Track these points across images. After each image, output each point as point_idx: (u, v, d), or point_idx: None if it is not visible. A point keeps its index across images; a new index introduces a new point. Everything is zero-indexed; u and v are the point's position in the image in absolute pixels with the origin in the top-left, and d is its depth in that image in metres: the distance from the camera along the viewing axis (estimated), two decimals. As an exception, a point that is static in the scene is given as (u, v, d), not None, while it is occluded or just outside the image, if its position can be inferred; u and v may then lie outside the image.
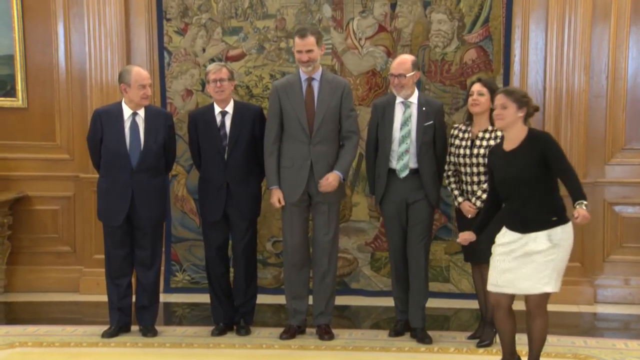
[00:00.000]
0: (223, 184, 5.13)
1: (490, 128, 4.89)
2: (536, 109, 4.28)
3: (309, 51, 4.99)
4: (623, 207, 6.10)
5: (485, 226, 4.37)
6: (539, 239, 4.06)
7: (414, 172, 5.00)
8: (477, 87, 4.91)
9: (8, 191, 6.36)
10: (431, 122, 5.00)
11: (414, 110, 5.01)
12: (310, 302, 5.23)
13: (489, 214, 4.37)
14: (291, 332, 5.16)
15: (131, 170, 5.06)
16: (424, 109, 5.01)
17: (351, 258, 6.23)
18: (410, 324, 5.14)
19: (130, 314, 5.26)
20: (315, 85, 5.08)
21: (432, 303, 5.43)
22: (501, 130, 4.35)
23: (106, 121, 5.12)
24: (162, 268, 5.76)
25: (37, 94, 6.40)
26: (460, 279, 6.10)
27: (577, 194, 4.01)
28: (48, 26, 6.33)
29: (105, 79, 6.19)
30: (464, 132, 4.99)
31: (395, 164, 5.01)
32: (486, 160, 4.81)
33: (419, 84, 5.99)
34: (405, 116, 5.01)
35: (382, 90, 6.05)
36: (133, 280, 5.29)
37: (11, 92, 6.38)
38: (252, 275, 5.33)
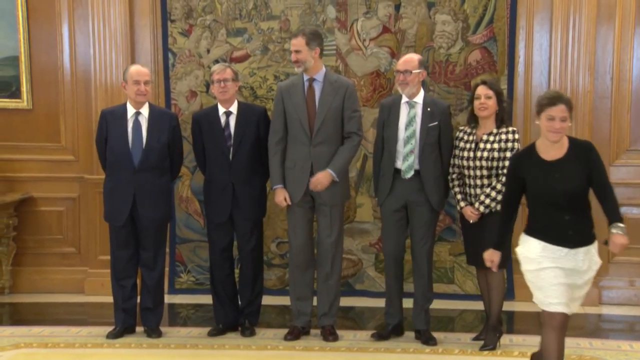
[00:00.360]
0: (228, 184, 5.13)
1: (495, 131, 4.86)
2: None
3: (296, 51, 5.01)
4: (628, 209, 6.07)
5: (507, 239, 4.18)
6: (581, 255, 3.87)
7: (418, 174, 4.97)
8: (483, 91, 4.86)
9: (13, 192, 6.37)
10: (436, 122, 4.96)
11: (418, 110, 4.99)
12: (315, 303, 5.23)
13: (510, 226, 4.17)
14: (295, 333, 5.15)
15: (133, 169, 5.07)
16: (429, 109, 4.99)
17: (355, 259, 6.23)
18: (414, 326, 5.13)
19: (135, 315, 5.27)
20: (317, 86, 5.07)
21: (436, 304, 5.42)
22: (556, 141, 3.88)
23: (111, 121, 5.15)
24: (167, 269, 5.77)
25: (42, 95, 6.41)
26: (465, 280, 6.09)
27: (615, 214, 3.82)
28: (53, 27, 6.35)
29: (110, 80, 6.20)
30: (469, 134, 4.96)
31: (400, 165, 4.99)
32: (491, 163, 4.80)
33: (424, 85, 6.01)
34: (410, 116, 4.99)
35: (387, 91, 6.05)
36: (138, 281, 5.29)
37: (16, 94, 6.40)
38: (258, 276, 5.33)
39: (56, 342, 5.12)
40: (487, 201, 4.79)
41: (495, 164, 4.81)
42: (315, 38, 5.08)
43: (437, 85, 6.05)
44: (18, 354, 4.93)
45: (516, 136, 4.85)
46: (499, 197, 4.76)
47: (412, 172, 4.97)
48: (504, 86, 5.83)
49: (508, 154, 4.78)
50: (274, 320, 5.68)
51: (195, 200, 6.28)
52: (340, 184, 5.07)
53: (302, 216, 5.12)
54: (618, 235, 3.79)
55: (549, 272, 3.86)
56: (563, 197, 3.84)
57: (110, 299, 5.31)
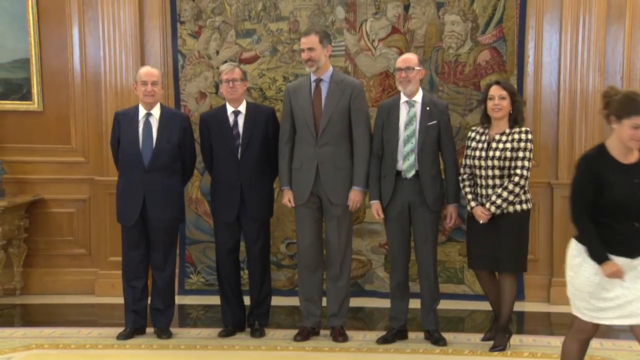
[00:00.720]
0: (236, 184, 5.14)
1: (507, 131, 4.84)
2: None
3: (310, 49, 4.99)
4: (638, 208, 6.06)
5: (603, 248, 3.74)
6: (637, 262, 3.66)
7: (418, 174, 4.96)
8: (497, 91, 4.83)
9: (24, 194, 6.40)
10: (435, 121, 4.96)
11: (417, 109, 4.99)
12: (324, 303, 5.23)
13: (596, 232, 3.69)
14: (305, 334, 5.16)
15: (144, 169, 5.09)
16: (427, 108, 4.98)
17: (365, 260, 6.22)
18: (423, 326, 5.13)
19: (146, 316, 5.29)
20: (324, 86, 5.07)
21: (446, 305, 5.42)
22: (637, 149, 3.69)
23: (123, 122, 5.19)
24: (177, 270, 5.78)
25: (53, 97, 6.44)
26: (475, 281, 6.05)
27: None
28: (63, 30, 6.38)
29: (120, 82, 6.22)
30: (481, 134, 4.94)
31: (401, 165, 4.98)
32: (503, 163, 4.77)
33: (432, 85, 6.01)
34: (409, 116, 4.98)
35: (396, 91, 6.03)
36: (149, 282, 5.31)
37: (27, 96, 6.43)
38: (266, 277, 5.34)
39: (67, 343, 5.14)
40: (499, 201, 4.77)
41: (507, 164, 4.79)
42: (326, 36, 5.11)
43: (447, 86, 6.04)
44: (29, 355, 4.95)
45: (529, 136, 4.83)
46: (511, 198, 4.74)
47: (413, 172, 4.95)
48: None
49: (520, 154, 4.76)
50: (284, 321, 5.68)
51: (204, 201, 6.29)
52: (347, 185, 5.07)
53: (310, 217, 5.12)
54: None
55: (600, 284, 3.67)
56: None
57: (120, 300, 5.33)
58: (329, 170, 5.03)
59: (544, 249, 6.11)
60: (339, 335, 5.12)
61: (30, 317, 6.00)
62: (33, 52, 6.36)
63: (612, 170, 3.63)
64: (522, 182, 4.77)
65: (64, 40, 6.38)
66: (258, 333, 5.26)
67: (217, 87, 6.07)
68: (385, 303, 5.30)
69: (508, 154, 4.79)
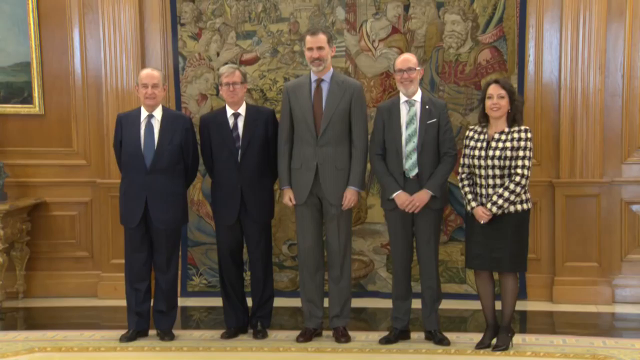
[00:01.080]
0: (236, 186, 5.14)
1: (507, 130, 4.83)
2: None
3: (319, 48, 5.00)
4: (639, 207, 6.05)
5: None
6: None
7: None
8: (496, 90, 4.82)
9: (26, 197, 6.41)
10: (434, 120, 4.97)
11: (417, 108, 4.99)
12: (326, 304, 5.23)
13: None
14: (307, 335, 5.16)
15: (145, 171, 5.10)
16: (427, 107, 4.99)
17: (367, 260, 6.23)
18: (425, 327, 5.12)
19: (148, 318, 5.29)
20: (324, 86, 5.07)
21: (449, 304, 5.41)
22: None
23: (125, 124, 5.21)
24: (179, 272, 5.78)
25: (54, 100, 6.45)
26: (477, 280, 6.07)
27: None
28: (64, 33, 6.39)
29: (121, 84, 6.23)
30: (480, 133, 4.93)
31: (404, 164, 4.98)
32: (503, 162, 4.77)
33: (433, 85, 6.01)
34: (410, 115, 4.98)
35: (396, 92, 6.03)
36: (153, 284, 5.32)
37: (28, 99, 6.44)
38: (268, 278, 5.34)
39: (70, 346, 5.15)
40: (500, 201, 4.75)
41: (507, 163, 4.78)
42: (331, 37, 5.15)
43: (447, 85, 6.04)
44: (32, 358, 4.96)
45: (529, 135, 4.82)
46: (512, 198, 4.73)
47: (415, 171, 4.95)
48: (514, 85, 5.80)
49: (521, 154, 4.75)
50: (287, 322, 5.68)
51: (206, 203, 6.29)
52: (346, 185, 5.06)
53: (310, 218, 5.12)
54: None
55: None
56: None
57: (123, 303, 5.33)
58: (328, 171, 5.02)
59: (546, 247, 6.11)
60: (342, 336, 5.12)
61: (33, 320, 6.01)
62: (34, 56, 6.38)
63: None
64: (523, 181, 4.76)
65: (64, 43, 6.39)
66: (260, 334, 5.26)
67: (217, 88, 6.07)
68: (388, 303, 5.30)
69: (508, 153, 4.78)
